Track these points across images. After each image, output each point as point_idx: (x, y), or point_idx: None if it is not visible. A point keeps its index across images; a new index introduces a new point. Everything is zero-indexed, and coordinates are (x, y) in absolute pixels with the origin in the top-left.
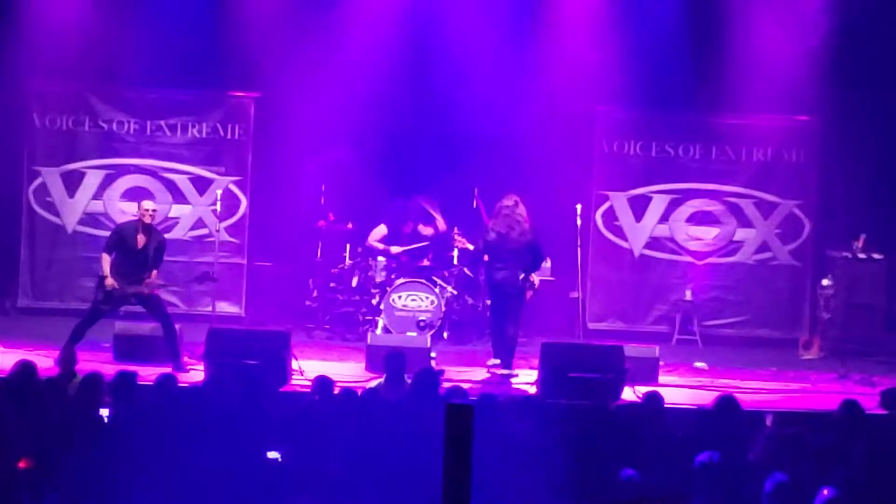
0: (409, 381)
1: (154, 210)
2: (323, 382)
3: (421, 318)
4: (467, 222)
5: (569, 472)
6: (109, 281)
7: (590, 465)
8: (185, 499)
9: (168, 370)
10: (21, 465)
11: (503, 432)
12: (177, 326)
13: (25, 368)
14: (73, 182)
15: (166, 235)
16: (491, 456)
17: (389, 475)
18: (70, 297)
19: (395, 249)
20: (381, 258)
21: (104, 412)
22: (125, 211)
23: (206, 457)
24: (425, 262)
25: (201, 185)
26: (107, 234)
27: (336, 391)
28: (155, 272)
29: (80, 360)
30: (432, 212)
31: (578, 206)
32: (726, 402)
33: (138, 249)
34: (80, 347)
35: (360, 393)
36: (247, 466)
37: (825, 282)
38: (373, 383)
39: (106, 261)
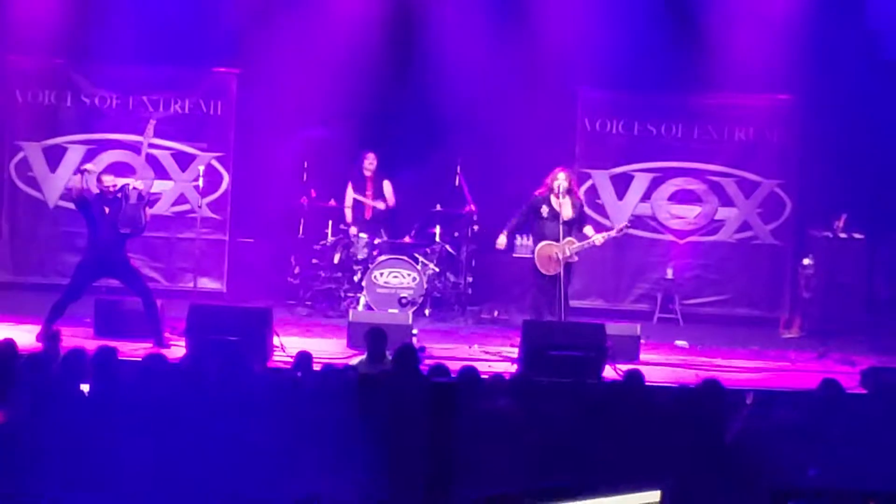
0: (390, 357)
1: (114, 184)
2: (304, 358)
3: (403, 296)
4: (450, 198)
5: (548, 449)
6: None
7: (570, 442)
8: (165, 474)
9: (150, 346)
10: None
11: (483, 409)
12: (158, 302)
13: (5, 347)
14: (54, 157)
15: (150, 210)
16: (471, 432)
17: (371, 452)
18: (51, 272)
19: (352, 230)
20: (362, 235)
21: (84, 387)
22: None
23: (187, 433)
24: (406, 239)
25: (183, 160)
26: None
27: (317, 367)
28: None
29: (61, 335)
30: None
31: None
32: (711, 386)
33: (105, 216)
34: (61, 323)
35: (340, 368)
36: (227, 443)
37: (806, 261)
38: (354, 360)
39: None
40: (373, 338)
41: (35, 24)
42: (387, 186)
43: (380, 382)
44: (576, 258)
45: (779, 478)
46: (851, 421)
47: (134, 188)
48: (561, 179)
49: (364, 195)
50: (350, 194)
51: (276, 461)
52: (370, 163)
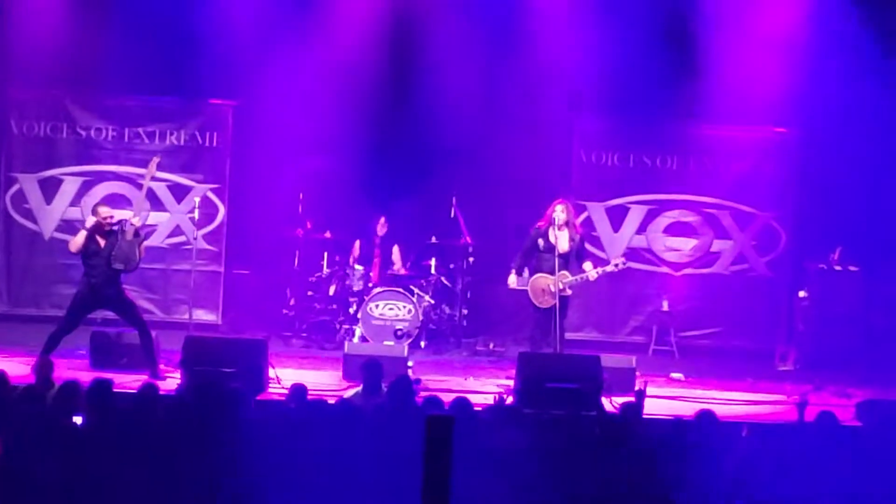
0: (385, 389)
1: (110, 216)
2: (298, 390)
3: (398, 328)
4: (446, 231)
5: (545, 481)
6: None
7: (566, 475)
8: None
9: (146, 377)
10: None
11: (479, 441)
12: (153, 334)
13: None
14: (50, 189)
15: (145, 242)
16: (467, 465)
17: (366, 484)
18: (46, 304)
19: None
20: (358, 266)
21: (77, 420)
22: None
23: (181, 465)
24: (402, 271)
25: (179, 192)
26: None
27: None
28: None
29: (56, 367)
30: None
31: None
32: (706, 417)
33: (101, 249)
34: (57, 355)
35: (334, 402)
36: (222, 475)
37: (801, 293)
38: (349, 392)
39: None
40: (368, 370)
41: (31, 55)
42: (395, 252)
43: (374, 415)
44: (569, 291)
45: None
46: (847, 453)
47: (130, 224)
48: (558, 212)
49: (372, 259)
50: (356, 250)
51: (272, 493)
52: (381, 227)
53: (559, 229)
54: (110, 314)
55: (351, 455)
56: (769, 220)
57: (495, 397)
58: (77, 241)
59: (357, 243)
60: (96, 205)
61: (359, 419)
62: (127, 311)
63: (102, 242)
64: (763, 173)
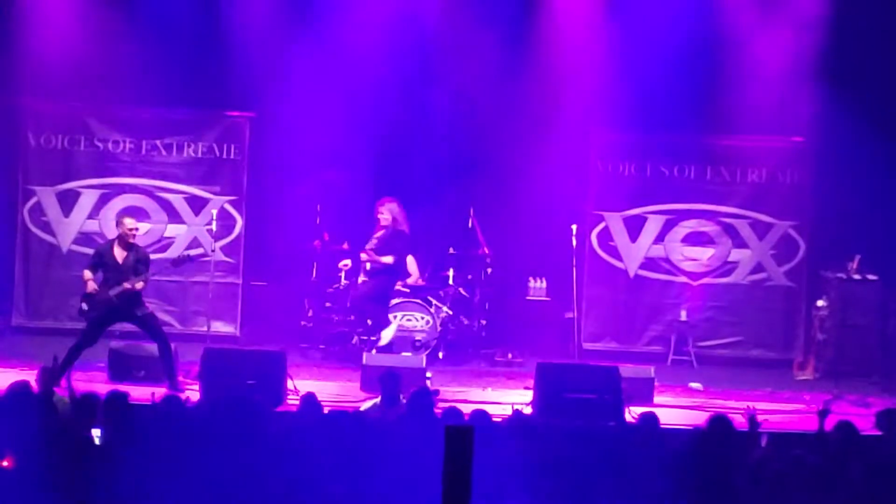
0: (404, 401)
1: (135, 227)
2: (309, 400)
3: (417, 338)
4: (463, 241)
5: (563, 492)
6: (91, 284)
7: (585, 485)
8: None
9: (164, 390)
10: (3, 463)
11: (498, 452)
12: (172, 346)
13: (21, 388)
14: (68, 201)
15: (162, 254)
16: (485, 476)
17: (385, 495)
18: (64, 317)
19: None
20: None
21: (96, 432)
22: None
23: (200, 478)
24: (420, 282)
25: (197, 204)
26: None
27: (324, 410)
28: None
29: (74, 379)
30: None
31: (574, 227)
32: (719, 423)
33: (119, 264)
34: (75, 368)
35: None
36: (241, 487)
37: (820, 302)
38: (367, 403)
39: (87, 275)
40: (387, 381)
41: (49, 68)
42: (411, 263)
43: (394, 426)
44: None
45: None
46: (867, 463)
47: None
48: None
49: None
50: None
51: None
52: (383, 212)
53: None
54: (129, 326)
55: (369, 466)
56: (787, 228)
57: (513, 408)
58: (87, 278)
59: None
60: (121, 215)
61: (377, 430)
62: (147, 324)
63: (122, 256)
64: (780, 182)
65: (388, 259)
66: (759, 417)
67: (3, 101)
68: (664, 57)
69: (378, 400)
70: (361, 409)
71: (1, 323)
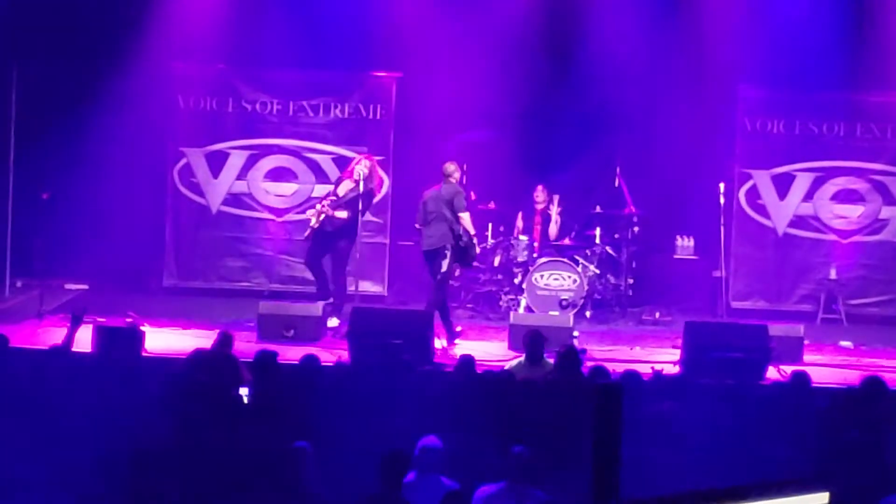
0: (549, 360)
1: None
2: (466, 362)
3: (563, 298)
4: (610, 200)
5: (713, 451)
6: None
7: (735, 444)
8: (331, 479)
9: (309, 350)
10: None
11: (647, 411)
12: (319, 304)
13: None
14: (217, 163)
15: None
16: (635, 435)
17: (533, 453)
18: (213, 277)
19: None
20: (522, 237)
21: (243, 391)
22: (269, 191)
23: (349, 437)
24: (566, 241)
25: (344, 165)
26: (250, 213)
27: (478, 371)
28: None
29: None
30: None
31: (721, 185)
32: (873, 383)
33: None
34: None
35: (498, 371)
36: (393, 446)
37: None
38: (513, 363)
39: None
40: (531, 341)
41: (196, 31)
42: (554, 211)
43: (542, 385)
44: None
45: None
46: None
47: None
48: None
49: (533, 228)
50: (520, 221)
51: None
52: (539, 195)
53: None
54: (278, 286)
55: (516, 425)
56: None
57: (652, 369)
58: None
59: (520, 214)
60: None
61: (525, 389)
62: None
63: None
64: None
65: None
66: None
67: (154, 65)
68: (812, 13)
69: (523, 359)
70: (505, 367)
71: (153, 283)
